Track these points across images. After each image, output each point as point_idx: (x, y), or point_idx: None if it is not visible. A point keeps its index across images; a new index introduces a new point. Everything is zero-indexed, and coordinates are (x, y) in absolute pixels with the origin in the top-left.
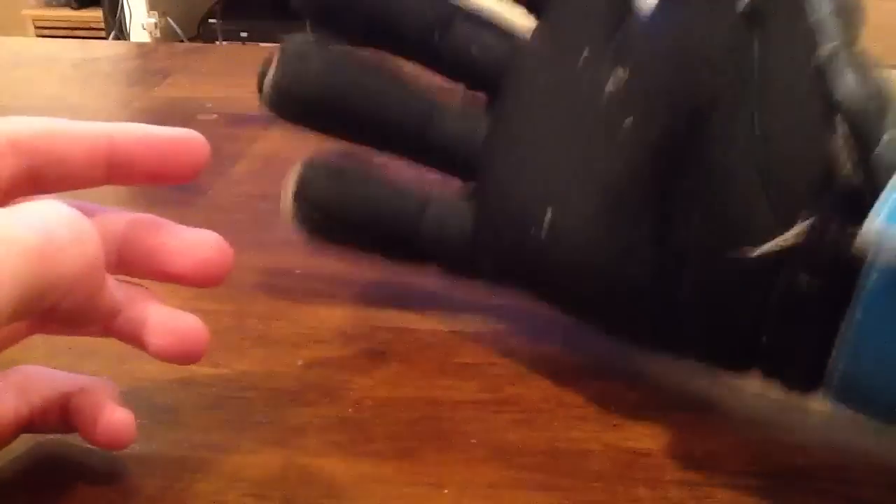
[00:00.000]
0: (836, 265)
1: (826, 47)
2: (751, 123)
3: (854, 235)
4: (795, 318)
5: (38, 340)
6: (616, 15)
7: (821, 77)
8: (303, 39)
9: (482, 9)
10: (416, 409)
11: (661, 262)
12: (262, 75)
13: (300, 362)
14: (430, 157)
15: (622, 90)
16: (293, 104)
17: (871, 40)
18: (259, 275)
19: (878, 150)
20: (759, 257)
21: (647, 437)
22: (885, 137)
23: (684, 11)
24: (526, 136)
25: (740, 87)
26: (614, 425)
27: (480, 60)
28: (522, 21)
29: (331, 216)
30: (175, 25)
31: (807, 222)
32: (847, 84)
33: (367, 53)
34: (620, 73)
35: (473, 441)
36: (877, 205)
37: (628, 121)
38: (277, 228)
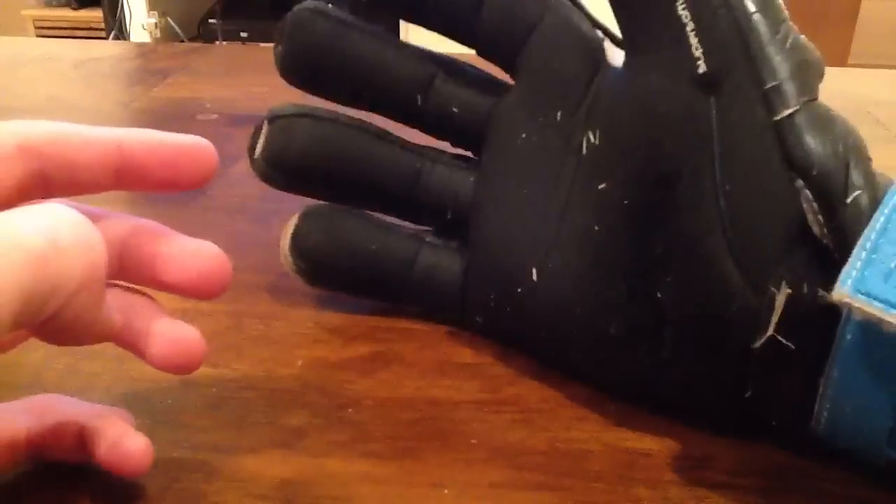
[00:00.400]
0: (809, 325)
1: (785, 111)
2: (714, 189)
3: (825, 298)
4: (776, 373)
5: (39, 342)
6: (589, 71)
7: (780, 141)
8: (290, 109)
9: (462, 66)
10: (416, 409)
11: (641, 318)
12: (252, 148)
13: (300, 362)
14: (420, 213)
15: (595, 155)
16: (282, 175)
17: (872, 40)
18: (259, 275)
19: (844, 210)
20: (736, 319)
21: (647, 437)
22: (851, 197)
23: (644, 76)
24: (508, 195)
25: (701, 154)
26: (614, 425)
27: (462, 119)
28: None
29: (325, 268)
30: (175, 25)
31: (786, 292)
32: (807, 146)
33: (352, 117)
34: (591, 138)
35: (473, 441)
36: (844, 271)
37: (602, 185)
38: (277, 228)
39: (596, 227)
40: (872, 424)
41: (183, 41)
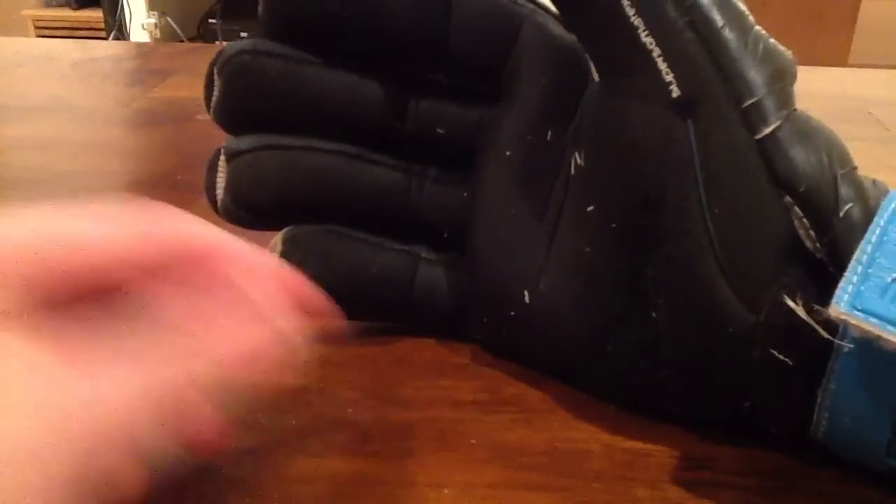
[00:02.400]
0: (806, 339)
1: (766, 129)
2: (701, 213)
3: (820, 313)
4: (774, 387)
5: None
6: (577, 88)
7: (764, 160)
8: (250, 142)
9: (435, 81)
10: (415, 409)
11: (638, 337)
12: (211, 188)
13: (300, 362)
14: (414, 232)
15: (582, 176)
16: (257, 215)
17: (872, 40)
18: None
19: (837, 224)
20: (732, 337)
21: (647, 437)
22: (842, 211)
23: (618, 101)
24: (497, 215)
25: (684, 178)
26: (614, 425)
27: (449, 139)
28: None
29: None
30: (175, 25)
31: (784, 308)
32: (792, 163)
33: (322, 140)
34: (578, 159)
35: (473, 441)
36: (840, 286)
37: (590, 208)
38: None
39: (587, 249)
40: (871, 435)
41: (183, 41)
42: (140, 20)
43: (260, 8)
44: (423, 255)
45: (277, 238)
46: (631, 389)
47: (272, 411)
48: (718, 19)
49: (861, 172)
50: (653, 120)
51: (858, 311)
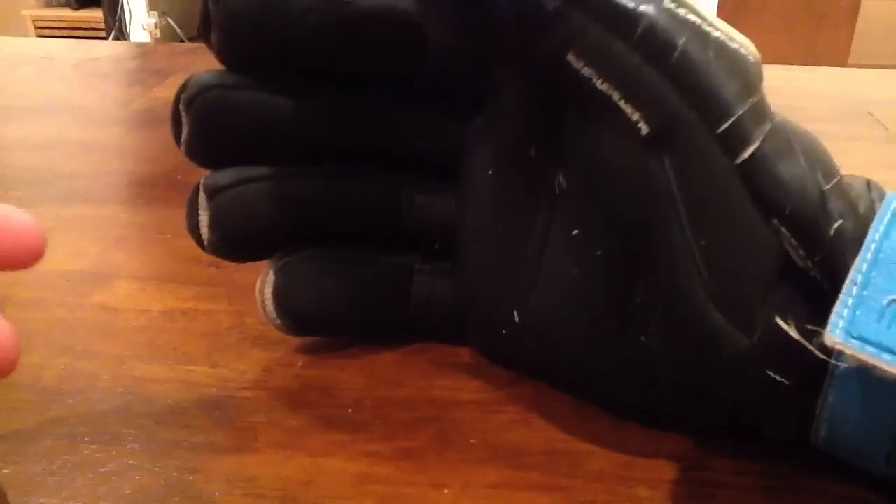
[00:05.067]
0: (800, 360)
1: (746, 151)
2: (686, 243)
3: (815, 333)
4: (771, 404)
5: (39, 342)
6: (560, 102)
7: (747, 183)
8: (230, 176)
9: (414, 91)
10: (415, 409)
11: (631, 359)
12: (195, 228)
13: (300, 362)
14: (405, 245)
15: (566, 199)
16: (247, 252)
17: (872, 40)
18: (259, 275)
19: (829, 241)
20: (725, 361)
21: (647, 437)
22: (833, 228)
23: (589, 136)
24: (483, 233)
25: (666, 211)
26: (614, 425)
27: (432, 153)
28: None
29: (318, 322)
30: (175, 25)
31: (777, 328)
32: (776, 183)
33: (306, 164)
34: (562, 180)
35: (473, 441)
36: (834, 312)
37: (575, 231)
38: None
39: (575, 271)
40: (871, 445)
41: (183, 41)
42: (140, 20)
43: (215, 39)
44: (417, 266)
45: (269, 268)
46: (627, 405)
47: (272, 411)
48: (674, 42)
49: (861, 172)
50: (627, 158)
51: (854, 338)
